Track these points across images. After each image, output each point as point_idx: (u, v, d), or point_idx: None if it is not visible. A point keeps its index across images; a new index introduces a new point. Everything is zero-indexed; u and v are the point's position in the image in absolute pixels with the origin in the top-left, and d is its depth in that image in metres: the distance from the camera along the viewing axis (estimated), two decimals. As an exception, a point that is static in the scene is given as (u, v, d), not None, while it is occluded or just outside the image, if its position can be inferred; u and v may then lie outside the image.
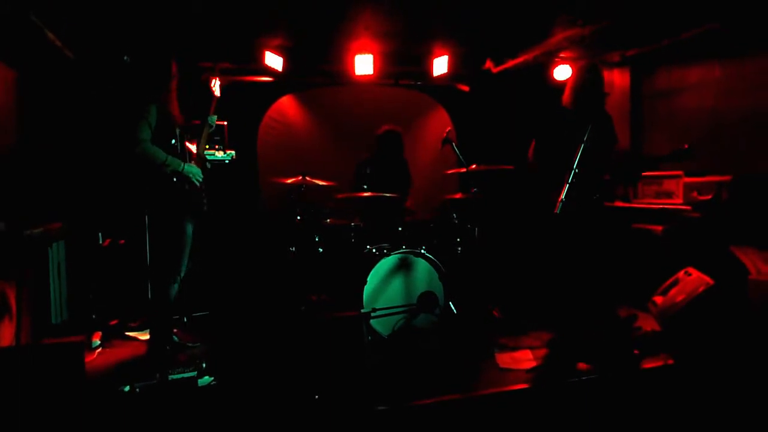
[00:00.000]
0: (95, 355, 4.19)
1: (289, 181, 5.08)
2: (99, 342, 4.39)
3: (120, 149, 4.05)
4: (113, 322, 4.75)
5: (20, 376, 2.77)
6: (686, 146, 3.71)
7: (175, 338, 4.35)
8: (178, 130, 3.91)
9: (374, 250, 4.67)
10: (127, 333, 4.60)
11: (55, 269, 4.44)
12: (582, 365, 3.69)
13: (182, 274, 3.97)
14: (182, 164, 3.83)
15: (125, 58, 3.72)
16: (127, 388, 3.32)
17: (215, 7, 4.50)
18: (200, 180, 3.96)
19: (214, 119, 4.26)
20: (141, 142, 3.63)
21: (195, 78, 4.33)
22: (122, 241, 4.81)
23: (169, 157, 3.75)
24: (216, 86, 4.28)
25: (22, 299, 3.81)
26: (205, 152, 4.27)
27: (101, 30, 4.80)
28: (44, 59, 4.78)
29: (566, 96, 4.14)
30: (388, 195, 5.00)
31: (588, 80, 4.02)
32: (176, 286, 3.94)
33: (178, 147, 3.90)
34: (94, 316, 4.70)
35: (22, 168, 4.56)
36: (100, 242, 4.82)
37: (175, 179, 3.80)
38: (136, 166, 3.77)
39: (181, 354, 4.10)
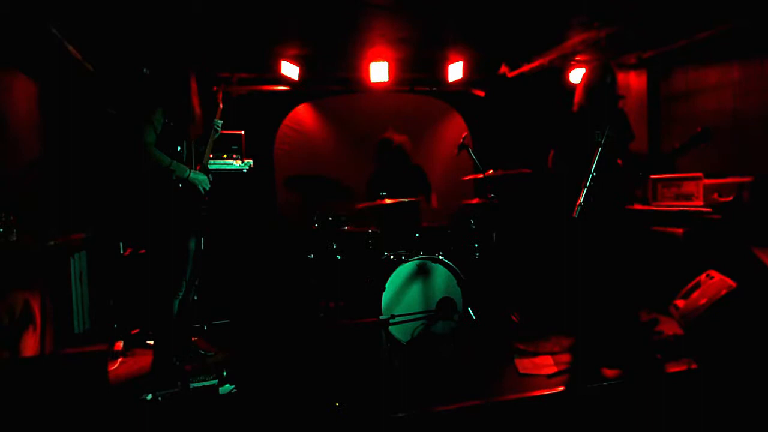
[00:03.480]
0: (117, 364, 4.23)
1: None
2: (121, 351, 4.44)
3: (126, 152, 4.00)
4: (135, 331, 4.80)
5: (45, 385, 2.81)
6: (699, 129, 3.65)
7: (193, 347, 4.38)
8: (187, 140, 3.84)
9: (392, 257, 4.67)
10: (148, 342, 4.63)
11: (77, 279, 4.50)
12: (604, 370, 3.65)
13: (183, 290, 3.85)
14: (188, 170, 3.72)
15: (144, 70, 3.71)
16: (149, 397, 3.35)
17: (231, 19, 4.55)
18: (207, 188, 3.86)
19: (219, 123, 4.16)
20: (145, 144, 3.54)
21: (209, 88, 4.36)
22: (143, 251, 4.86)
23: (174, 162, 3.63)
24: (221, 96, 4.29)
25: (45, 309, 3.86)
26: (219, 162, 4.24)
27: (120, 43, 4.87)
28: (65, 72, 4.86)
29: (578, 97, 4.10)
30: (406, 200, 5.01)
31: (600, 80, 3.98)
32: (177, 301, 3.82)
33: (184, 154, 3.80)
34: (115, 325, 4.75)
35: (45, 179, 4.64)
36: (121, 252, 4.87)
37: (180, 185, 3.70)
38: (141, 170, 3.66)
39: (188, 363, 4.02)
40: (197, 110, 3.89)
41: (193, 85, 3.87)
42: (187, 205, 3.77)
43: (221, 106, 4.23)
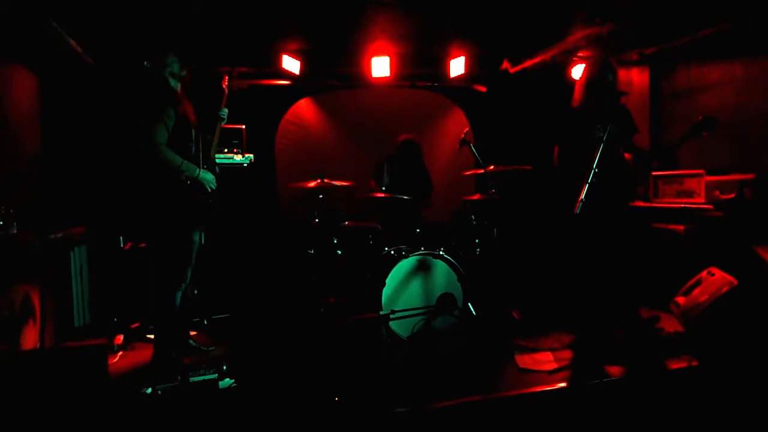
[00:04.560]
0: (117, 358, 4.23)
1: (311, 185, 5.06)
2: (121, 344, 4.44)
3: (136, 152, 4.01)
4: (134, 325, 4.80)
5: (45, 378, 2.81)
6: (700, 117, 3.62)
7: (192, 342, 4.38)
8: (194, 132, 3.84)
9: (393, 252, 4.66)
10: (148, 336, 4.63)
11: (77, 273, 4.49)
12: (605, 367, 3.65)
13: (187, 282, 3.89)
14: (197, 170, 3.73)
15: (145, 63, 3.71)
16: (149, 390, 3.35)
17: (233, 12, 4.54)
18: (213, 188, 3.87)
19: (225, 112, 4.17)
20: (157, 145, 3.55)
21: (214, 81, 4.35)
22: (143, 245, 4.86)
23: (185, 162, 3.65)
24: (227, 83, 4.28)
25: (45, 302, 3.86)
26: (220, 156, 4.20)
27: (121, 36, 4.86)
28: (65, 65, 4.85)
29: (577, 94, 4.06)
30: (405, 197, 5.02)
31: (601, 77, 3.94)
32: (180, 294, 3.84)
33: (192, 149, 3.82)
34: (115, 319, 4.75)
35: (45, 172, 4.63)
36: (121, 246, 4.86)
37: (189, 183, 3.72)
38: (151, 169, 3.68)
39: (187, 357, 4.05)
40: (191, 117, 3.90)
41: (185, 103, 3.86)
42: (193, 198, 3.78)
43: (226, 92, 4.23)
